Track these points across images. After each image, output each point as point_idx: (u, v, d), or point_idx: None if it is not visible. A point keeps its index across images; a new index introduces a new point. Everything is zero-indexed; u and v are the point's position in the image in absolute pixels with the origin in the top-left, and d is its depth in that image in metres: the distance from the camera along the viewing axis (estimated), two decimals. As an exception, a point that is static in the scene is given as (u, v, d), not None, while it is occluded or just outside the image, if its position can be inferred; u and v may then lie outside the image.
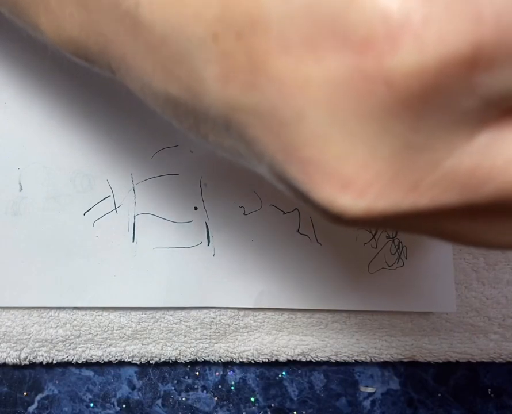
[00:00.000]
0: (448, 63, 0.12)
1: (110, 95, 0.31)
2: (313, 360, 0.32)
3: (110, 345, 0.31)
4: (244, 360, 0.32)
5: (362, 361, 0.33)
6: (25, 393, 0.31)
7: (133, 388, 0.32)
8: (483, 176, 0.13)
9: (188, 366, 0.32)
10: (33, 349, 0.31)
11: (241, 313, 0.32)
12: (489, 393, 0.34)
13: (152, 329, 0.31)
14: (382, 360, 0.33)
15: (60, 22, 0.17)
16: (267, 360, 0.32)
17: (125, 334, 0.31)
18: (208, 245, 0.31)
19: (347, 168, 0.13)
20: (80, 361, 0.31)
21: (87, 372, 0.32)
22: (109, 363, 0.32)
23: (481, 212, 0.14)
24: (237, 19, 0.13)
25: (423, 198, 0.13)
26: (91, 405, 0.32)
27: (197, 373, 0.32)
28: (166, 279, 0.31)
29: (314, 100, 0.13)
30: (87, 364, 0.32)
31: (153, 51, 0.15)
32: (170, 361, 0.32)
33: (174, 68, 0.15)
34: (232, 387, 0.32)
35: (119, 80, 0.17)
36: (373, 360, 0.33)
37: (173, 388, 0.32)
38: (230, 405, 0.32)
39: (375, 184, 0.13)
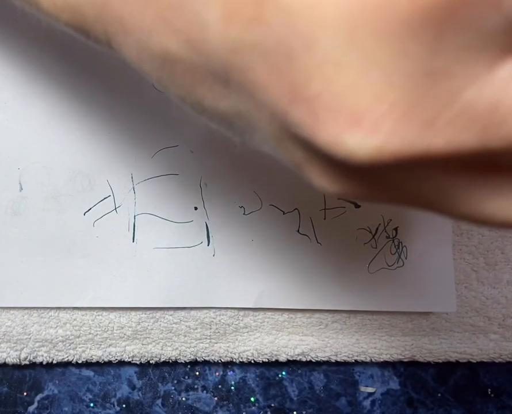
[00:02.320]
0: None
1: (110, 95, 0.31)
2: (313, 360, 0.32)
3: (110, 345, 0.31)
4: (244, 360, 0.32)
5: (362, 361, 0.33)
6: (25, 393, 0.31)
7: (133, 388, 0.32)
8: (504, 114, 0.12)
9: (188, 366, 0.32)
10: (33, 349, 0.31)
11: (241, 313, 0.32)
12: (489, 392, 0.34)
13: (152, 329, 0.31)
14: (382, 360, 0.33)
15: None
16: (267, 360, 0.32)
17: (125, 334, 0.31)
18: (208, 245, 0.31)
19: (359, 99, 0.12)
20: (80, 361, 0.31)
21: (87, 372, 0.32)
22: (109, 363, 0.32)
23: (493, 168, 0.13)
24: None
25: (439, 137, 0.12)
26: (91, 405, 0.32)
27: (197, 373, 0.32)
28: (166, 279, 0.31)
29: (328, 20, 0.12)
30: (87, 364, 0.32)
31: (153, 3, 0.14)
32: (170, 361, 0.32)
33: (174, 18, 0.14)
34: (232, 387, 0.32)
35: (116, 52, 0.17)
36: (373, 360, 0.33)
37: (173, 388, 0.32)
38: (230, 405, 0.32)
39: (388, 118, 0.12)
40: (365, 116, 0.12)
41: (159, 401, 0.32)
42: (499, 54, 0.12)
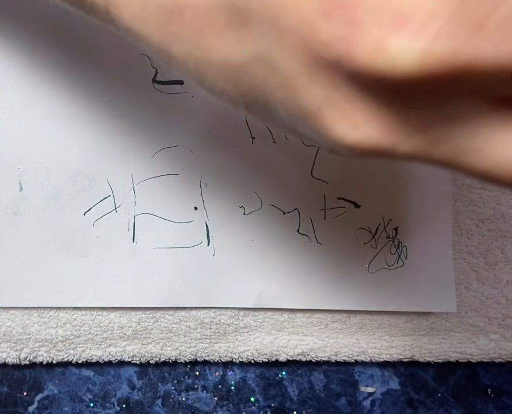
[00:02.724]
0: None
1: (110, 95, 0.31)
2: (313, 360, 0.32)
3: (110, 345, 0.31)
4: (244, 360, 0.32)
5: (362, 361, 0.33)
6: (25, 393, 0.31)
7: (133, 388, 0.32)
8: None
9: (188, 366, 0.32)
10: (33, 349, 0.31)
11: (241, 313, 0.32)
12: (489, 392, 0.34)
13: (152, 329, 0.31)
14: (382, 360, 0.33)
15: None
16: (267, 360, 0.32)
17: (125, 334, 0.31)
18: (208, 245, 0.31)
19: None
20: (80, 361, 0.31)
21: (87, 372, 0.32)
22: (109, 363, 0.32)
23: None
24: None
25: (488, 43, 0.11)
26: (91, 405, 0.32)
27: (197, 373, 0.32)
28: (166, 279, 0.31)
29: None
30: (87, 364, 0.32)
31: None
32: (170, 361, 0.32)
33: None
34: (232, 387, 0.32)
35: (113, 18, 0.16)
36: (373, 360, 0.33)
37: (173, 388, 0.32)
38: (230, 405, 0.32)
39: (436, 18, 0.11)
40: (411, 16, 0.11)
41: (159, 401, 0.32)
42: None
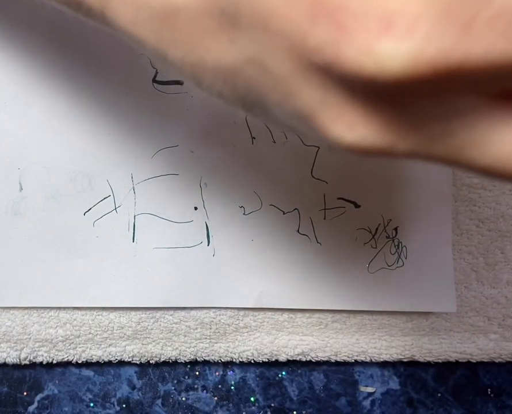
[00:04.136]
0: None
1: (110, 95, 0.31)
2: (313, 360, 0.32)
3: (110, 345, 0.31)
4: (244, 360, 0.32)
5: (362, 361, 0.33)
6: (25, 393, 0.31)
7: (133, 388, 0.32)
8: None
9: (188, 366, 0.32)
10: (33, 349, 0.31)
11: (241, 313, 0.32)
12: (489, 392, 0.34)
13: (152, 329, 0.31)
14: (382, 360, 0.33)
15: None
16: (267, 360, 0.32)
17: (125, 334, 0.31)
18: (208, 245, 0.31)
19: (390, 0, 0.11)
20: (80, 361, 0.31)
21: (87, 372, 0.32)
22: (109, 363, 0.32)
23: None
24: None
25: (478, 42, 0.11)
26: (91, 404, 0.32)
27: (197, 373, 0.32)
28: (166, 279, 0.31)
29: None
30: (87, 364, 0.32)
31: None
32: (170, 361, 0.32)
33: None
34: (232, 387, 0.32)
35: (109, 21, 0.16)
36: (373, 360, 0.33)
37: (173, 388, 0.32)
38: (230, 405, 0.32)
39: (423, 20, 0.11)
40: (398, 18, 0.11)
41: (159, 401, 0.32)
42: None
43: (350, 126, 0.13)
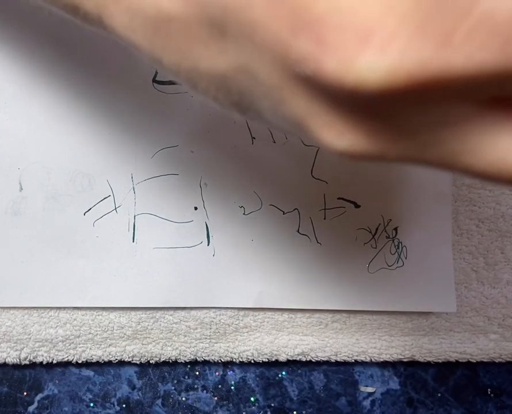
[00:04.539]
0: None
1: (110, 95, 0.31)
2: (313, 360, 0.32)
3: (110, 345, 0.31)
4: (244, 360, 0.32)
5: (362, 361, 0.33)
6: (25, 393, 0.31)
7: (133, 388, 0.32)
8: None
9: (188, 366, 0.32)
10: (33, 349, 0.31)
11: (241, 313, 0.32)
12: (489, 392, 0.34)
13: (152, 329, 0.31)
14: (382, 360, 0.33)
15: None
16: (267, 360, 0.32)
17: (125, 334, 0.31)
18: (208, 245, 0.31)
19: (368, 13, 0.11)
20: (80, 361, 0.31)
21: (87, 372, 0.32)
22: (109, 363, 0.32)
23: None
24: None
25: (457, 54, 0.11)
26: (91, 404, 0.32)
27: (197, 373, 0.32)
28: (166, 279, 0.31)
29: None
30: (87, 364, 0.32)
31: None
32: (170, 361, 0.32)
33: None
34: (232, 387, 0.32)
35: (106, 27, 0.17)
36: (373, 360, 0.33)
37: (173, 388, 0.32)
38: (230, 404, 0.32)
39: (401, 33, 0.11)
40: (375, 31, 0.11)
41: (159, 401, 0.32)
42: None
43: (338, 134, 0.14)
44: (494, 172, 0.13)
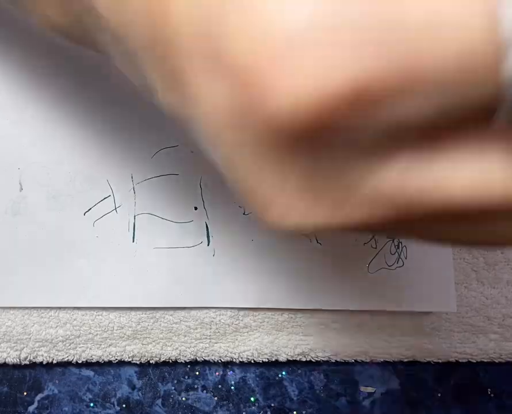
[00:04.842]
0: (326, 104, 0.10)
1: (110, 95, 0.31)
2: (313, 360, 0.32)
3: (110, 345, 0.31)
4: (244, 360, 0.32)
5: (362, 361, 0.33)
6: (25, 393, 0.31)
7: (133, 388, 0.32)
8: (415, 193, 0.11)
9: (188, 366, 0.32)
10: (33, 349, 0.31)
11: (241, 313, 0.32)
12: (489, 392, 0.34)
13: (152, 329, 0.31)
14: (382, 360, 0.33)
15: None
16: (267, 360, 0.32)
17: (125, 334, 0.31)
18: (208, 245, 0.31)
19: (264, 191, 0.12)
20: (80, 361, 0.31)
21: (87, 372, 0.32)
22: (109, 363, 0.32)
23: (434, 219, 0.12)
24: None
25: (355, 213, 0.12)
26: (91, 405, 0.32)
27: (197, 373, 0.32)
28: (166, 279, 0.31)
29: (221, 121, 0.12)
30: (87, 364, 0.32)
31: None
32: (170, 361, 0.32)
33: None
34: (232, 387, 0.32)
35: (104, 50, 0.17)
36: (373, 360, 0.33)
37: (173, 388, 0.32)
38: (230, 404, 0.32)
39: (297, 204, 0.12)
40: (273, 204, 0.13)
41: (159, 401, 0.32)
42: (388, 152, 0.11)
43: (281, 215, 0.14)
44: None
